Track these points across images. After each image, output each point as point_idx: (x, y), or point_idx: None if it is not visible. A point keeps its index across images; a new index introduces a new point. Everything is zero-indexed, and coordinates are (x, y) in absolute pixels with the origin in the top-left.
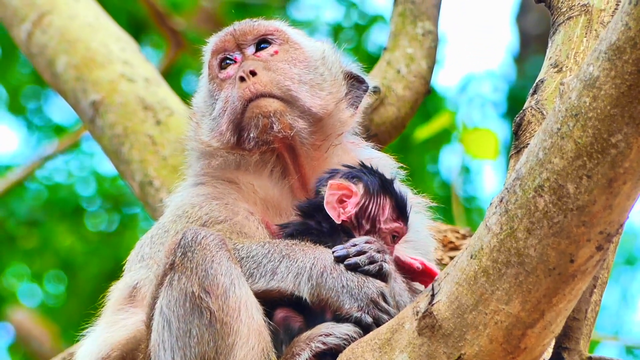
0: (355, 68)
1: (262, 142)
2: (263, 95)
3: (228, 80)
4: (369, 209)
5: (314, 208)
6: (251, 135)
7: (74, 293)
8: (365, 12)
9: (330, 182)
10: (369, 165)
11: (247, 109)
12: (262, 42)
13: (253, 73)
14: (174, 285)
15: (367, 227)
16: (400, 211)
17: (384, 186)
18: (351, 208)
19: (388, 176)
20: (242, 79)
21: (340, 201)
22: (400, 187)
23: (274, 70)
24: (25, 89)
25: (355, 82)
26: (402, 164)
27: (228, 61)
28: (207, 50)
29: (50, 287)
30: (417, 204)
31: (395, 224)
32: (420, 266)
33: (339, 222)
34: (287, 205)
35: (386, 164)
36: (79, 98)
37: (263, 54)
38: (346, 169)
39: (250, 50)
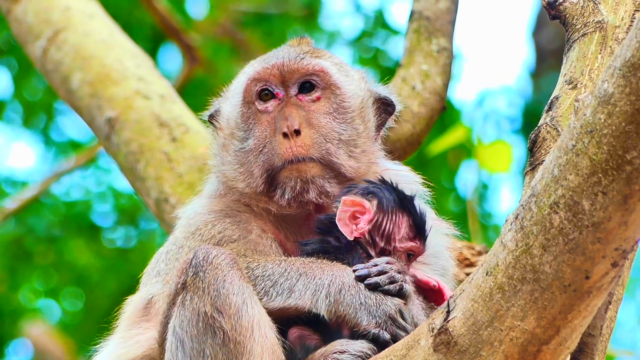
0: (386, 91)
1: (294, 203)
2: (304, 160)
3: (266, 115)
4: (383, 226)
5: (332, 223)
6: (286, 196)
7: (91, 309)
8: (386, 23)
9: (343, 198)
10: (389, 181)
11: (286, 168)
12: (306, 82)
13: (297, 132)
14: (187, 305)
15: (382, 244)
16: (418, 230)
17: (402, 204)
18: (364, 225)
19: (408, 193)
20: (285, 135)
21: (354, 217)
22: (420, 205)
23: (316, 126)
24: (41, 105)
25: (382, 104)
26: (425, 181)
27: (268, 92)
28: (248, 73)
29: (67, 304)
30: (439, 227)
31: (412, 243)
32: (436, 284)
33: (352, 239)
34: (300, 224)
35: (412, 181)
36: (94, 115)
37: (306, 98)
38: (364, 185)
39: (294, 90)
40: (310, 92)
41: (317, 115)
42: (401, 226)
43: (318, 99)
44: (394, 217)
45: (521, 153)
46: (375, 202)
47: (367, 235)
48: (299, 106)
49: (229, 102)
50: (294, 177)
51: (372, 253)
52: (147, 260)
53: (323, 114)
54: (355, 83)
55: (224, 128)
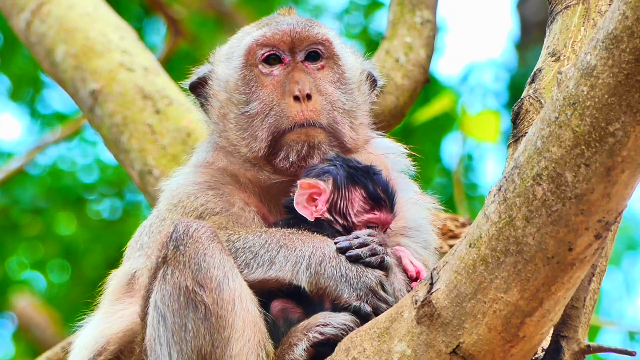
0: (371, 67)
1: (295, 166)
2: (314, 125)
3: (270, 78)
4: (338, 204)
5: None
6: (290, 158)
7: (77, 280)
8: None
9: (299, 181)
10: (342, 157)
11: (294, 131)
12: (312, 51)
13: (309, 97)
14: (168, 279)
15: (341, 221)
16: (375, 200)
17: (353, 178)
18: (322, 206)
19: (361, 166)
20: (296, 98)
21: (312, 199)
22: (381, 175)
23: (324, 93)
24: (27, 77)
25: (368, 79)
26: (410, 153)
27: (276, 57)
28: (254, 36)
29: (53, 275)
30: (422, 201)
31: (369, 215)
32: (414, 275)
33: (312, 220)
34: (283, 197)
35: (398, 152)
36: (78, 87)
37: (311, 66)
38: (320, 165)
39: (300, 56)
40: (315, 61)
41: (324, 82)
42: (354, 201)
43: (322, 67)
44: (346, 193)
45: (507, 126)
46: (330, 180)
47: (326, 215)
48: (306, 72)
49: (225, 65)
50: (301, 141)
51: (338, 228)
52: (133, 231)
53: (328, 82)
54: (352, 56)
55: (218, 92)
